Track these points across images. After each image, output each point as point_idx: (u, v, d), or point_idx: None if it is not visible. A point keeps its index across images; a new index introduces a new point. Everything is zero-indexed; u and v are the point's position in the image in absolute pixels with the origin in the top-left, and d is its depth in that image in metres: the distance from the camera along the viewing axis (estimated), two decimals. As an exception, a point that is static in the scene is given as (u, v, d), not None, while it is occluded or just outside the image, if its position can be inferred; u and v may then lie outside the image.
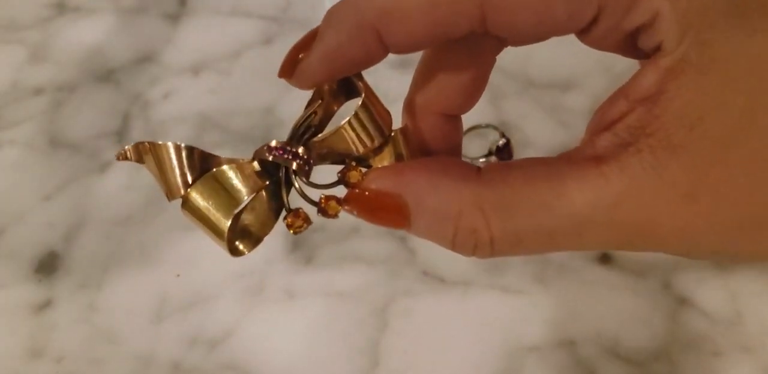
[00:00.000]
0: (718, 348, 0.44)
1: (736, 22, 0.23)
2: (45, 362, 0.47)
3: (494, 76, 0.29)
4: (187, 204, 0.26)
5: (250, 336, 0.47)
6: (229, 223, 0.25)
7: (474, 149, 0.51)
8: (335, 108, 0.29)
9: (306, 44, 0.26)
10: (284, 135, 0.27)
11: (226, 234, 0.26)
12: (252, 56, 0.59)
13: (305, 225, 0.27)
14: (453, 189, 0.25)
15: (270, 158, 0.26)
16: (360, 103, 0.26)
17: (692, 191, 0.24)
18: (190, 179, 0.26)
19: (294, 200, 0.27)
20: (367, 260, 0.49)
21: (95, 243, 0.51)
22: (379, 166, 0.28)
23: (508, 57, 0.29)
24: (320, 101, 0.28)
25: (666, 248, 0.26)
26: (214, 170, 0.26)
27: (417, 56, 0.28)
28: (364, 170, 0.27)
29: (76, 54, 0.60)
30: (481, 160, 0.51)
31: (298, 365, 0.46)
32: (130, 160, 0.27)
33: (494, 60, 0.29)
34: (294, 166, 0.26)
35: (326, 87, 0.28)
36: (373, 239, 0.49)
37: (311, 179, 0.27)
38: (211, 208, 0.26)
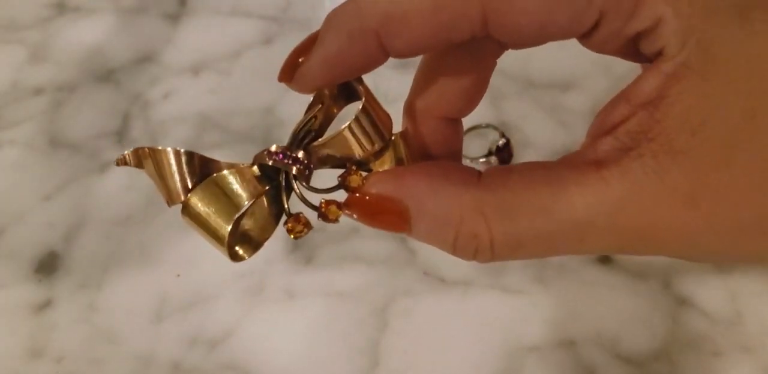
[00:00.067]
0: (718, 348, 0.44)
1: (738, 27, 0.23)
2: (45, 362, 0.47)
3: (494, 77, 0.29)
4: (187, 210, 0.26)
5: (250, 336, 0.47)
6: (229, 228, 0.25)
7: (474, 149, 0.51)
8: (335, 112, 0.29)
9: (306, 48, 0.26)
10: (284, 135, 0.27)
11: (226, 240, 0.26)
12: (252, 56, 0.59)
13: (306, 230, 0.27)
14: (454, 194, 0.25)
15: (270, 163, 0.26)
16: (360, 107, 0.26)
17: (694, 196, 0.24)
18: (190, 185, 0.26)
19: (294, 204, 0.27)
20: (367, 260, 0.49)
21: (95, 243, 0.51)
22: (380, 170, 0.28)
23: (509, 58, 0.29)
24: (320, 105, 0.28)
25: (667, 251, 0.26)
26: (214, 175, 0.26)
27: (417, 57, 0.28)
28: (364, 174, 0.27)
29: (76, 54, 0.60)
30: (481, 160, 0.50)
31: (298, 365, 0.46)
32: (130, 165, 0.27)
33: (495, 63, 0.29)
34: (294, 170, 0.26)
35: (326, 91, 0.28)
36: (373, 239, 0.49)
37: (311, 184, 0.27)
38: (211, 213, 0.26)
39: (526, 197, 0.25)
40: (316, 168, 0.27)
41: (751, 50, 0.24)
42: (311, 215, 0.27)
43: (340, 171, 0.27)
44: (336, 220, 0.27)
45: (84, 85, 0.59)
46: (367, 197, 0.26)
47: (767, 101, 0.24)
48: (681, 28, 0.23)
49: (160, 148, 0.26)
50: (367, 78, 0.27)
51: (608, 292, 0.46)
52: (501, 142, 0.51)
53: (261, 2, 0.62)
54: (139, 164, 0.26)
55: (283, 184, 0.27)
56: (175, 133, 0.55)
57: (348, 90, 0.28)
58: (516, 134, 0.52)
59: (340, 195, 0.27)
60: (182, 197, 0.26)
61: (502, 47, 0.28)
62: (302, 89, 0.27)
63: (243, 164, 0.27)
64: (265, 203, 0.28)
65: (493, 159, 0.51)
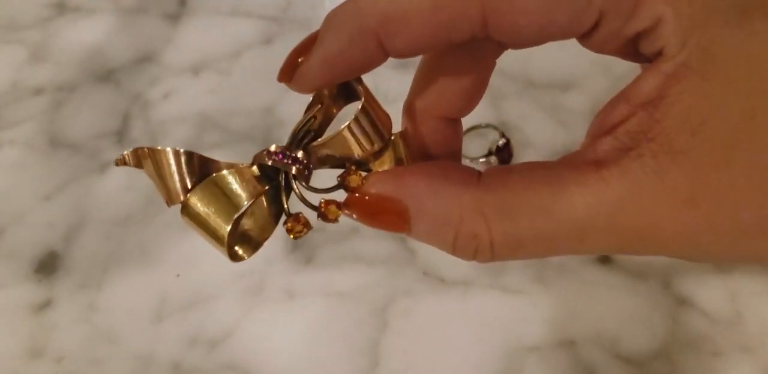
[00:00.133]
0: (718, 348, 0.44)
1: (738, 27, 0.23)
2: (45, 362, 0.47)
3: (494, 77, 0.29)
4: (186, 210, 0.26)
5: (250, 336, 0.47)
6: (229, 228, 0.25)
7: (474, 149, 0.51)
8: (335, 112, 0.29)
9: (305, 48, 0.26)
10: (284, 135, 0.27)
11: (226, 240, 0.26)
12: (252, 56, 0.59)
13: (305, 230, 0.27)
14: (453, 194, 0.25)
15: (269, 163, 0.26)
16: (360, 107, 0.26)
17: (694, 196, 0.24)
18: (189, 185, 0.26)
19: (294, 204, 0.27)
20: (367, 260, 0.49)
21: (95, 243, 0.51)
22: (380, 170, 0.28)
23: (508, 58, 0.29)
24: (320, 105, 0.28)
25: (667, 252, 0.26)
26: (214, 175, 0.26)
27: (417, 57, 0.28)
28: (364, 174, 0.27)
29: (76, 54, 0.60)
30: (481, 160, 0.50)
31: (298, 365, 0.46)
32: (129, 165, 0.26)
33: (494, 63, 0.29)
34: (293, 170, 0.26)
35: (326, 91, 0.28)
36: (373, 239, 0.49)
37: (311, 184, 0.27)
38: (210, 213, 0.26)
39: (526, 197, 0.25)
40: (315, 168, 0.27)
41: (751, 50, 0.24)
42: (311, 215, 0.27)
43: (340, 171, 0.27)
44: (335, 220, 0.27)
45: (84, 85, 0.59)
46: (367, 197, 0.26)
47: (767, 101, 0.23)
48: (681, 28, 0.23)
49: (159, 148, 0.26)
50: (366, 78, 0.27)
51: (608, 292, 0.46)
52: (501, 142, 0.51)
53: (261, 2, 0.62)
54: (138, 164, 0.26)
55: (283, 184, 0.27)
56: (175, 133, 0.55)
57: (347, 90, 0.28)
58: (516, 134, 0.52)
59: (340, 195, 0.27)
60: (182, 197, 0.26)
61: (502, 47, 0.28)
62: (302, 89, 0.27)
63: (242, 164, 0.27)
64: (265, 203, 0.28)
65: (493, 159, 0.51)
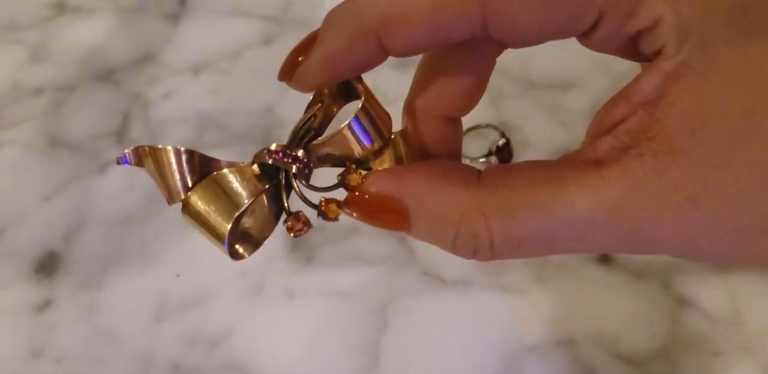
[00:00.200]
0: (718, 348, 0.44)
1: (738, 26, 0.23)
2: (45, 362, 0.47)
3: (494, 77, 0.29)
4: (187, 208, 0.26)
5: (250, 335, 0.47)
6: (229, 227, 0.25)
7: (474, 149, 0.51)
8: (335, 111, 0.29)
9: (306, 47, 0.26)
10: (284, 135, 0.27)
11: (226, 238, 0.26)
12: (252, 56, 0.59)
13: (306, 228, 0.27)
14: (453, 193, 0.25)
15: (270, 162, 0.26)
16: (360, 106, 0.26)
17: (694, 195, 0.24)
18: (190, 183, 0.26)
19: (294, 203, 0.27)
20: (367, 260, 0.49)
21: (95, 243, 0.51)
22: (380, 169, 0.28)
23: (508, 57, 0.29)
24: (320, 104, 0.28)
25: (667, 251, 0.26)
26: (214, 173, 0.26)
27: (417, 56, 0.28)
28: (364, 172, 0.27)
29: (76, 54, 0.60)
30: (481, 160, 0.50)
31: (298, 365, 0.46)
32: (130, 164, 0.27)
33: (494, 62, 0.29)
34: (294, 169, 0.26)
35: (326, 90, 0.28)
36: (373, 238, 0.49)
37: (311, 182, 0.27)
38: (211, 212, 0.26)
39: (526, 196, 0.25)
40: (315, 167, 0.27)
41: (750, 50, 0.24)
42: (311, 214, 0.27)
43: (340, 170, 0.27)
44: (336, 218, 0.27)
45: (84, 86, 0.59)
46: (367, 196, 0.26)
47: (767, 100, 0.23)
48: (680, 28, 0.23)
49: (160, 146, 0.26)
50: (366, 77, 0.28)
51: (608, 292, 0.46)
52: (501, 142, 0.51)
53: (261, 2, 0.62)
54: (139, 163, 0.26)
55: (283, 182, 0.27)
56: (175, 133, 0.55)
57: (348, 89, 0.28)
58: (516, 133, 0.52)
59: (340, 194, 0.27)
60: (182, 196, 0.26)
61: (502, 46, 0.28)
62: (302, 88, 0.27)
63: (243, 163, 0.27)
64: (265, 201, 0.28)
65: (493, 159, 0.51)
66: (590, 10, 0.24)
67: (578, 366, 0.44)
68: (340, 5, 0.25)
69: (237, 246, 0.28)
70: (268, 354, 0.46)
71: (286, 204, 0.27)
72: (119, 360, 0.46)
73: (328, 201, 0.27)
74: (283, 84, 0.27)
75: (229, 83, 0.58)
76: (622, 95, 0.25)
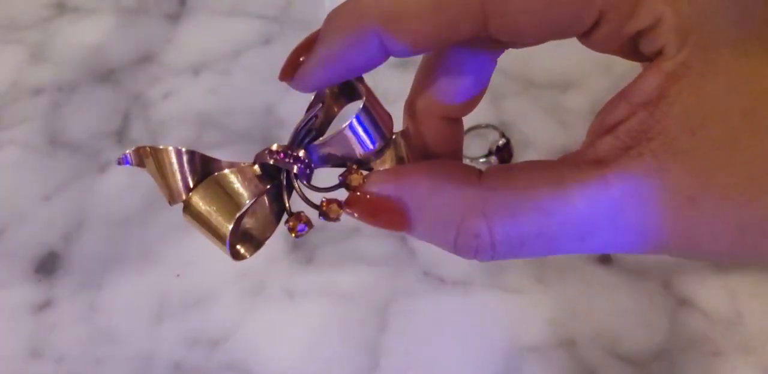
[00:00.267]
0: (718, 348, 0.44)
1: (738, 26, 0.23)
2: (45, 362, 0.47)
3: (494, 77, 0.29)
4: (188, 209, 0.26)
5: (251, 335, 0.47)
6: (231, 227, 0.25)
7: (474, 149, 0.51)
8: (336, 111, 0.29)
9: (307, 47, 0.26)
10: (284, 135, 0.28)
11: (228, 238, 0.26)
12: (252, 56, 0.59)
13: (307, 229, 0.27)
14: (454, 193, 0.25)
15: (271, 162, 0.26)
16: (361, 106, 0.26)
17: (694, 196, 0.24)
18: (191, 184, 0.26)
19: (295, 203, 0.27)
20: (368, 260, 0.49)
21: (95, 243, 0.51)
22: (381, 169, 0.28)
23: (508, 58, 0.29)
24: (321, 104, 0.28)
25: (668, 251, 0.26)
26: (216, 174, 0.26)
27: (417, 57, 0.28)
28: (365, 173, 0.27)
29: (76, 54, 0.60)
30: (481, 160, 0.50)
31: (298, 365, 0.46)
32: (131, 164, 0.26)
33: (495, 63, 0.29)
34: (295, 169, 0.26)
35: (327, 90, 0.28)
36: (374, 239, 0.49)
37: (312, 183, 0.27)
38: (212, 212, 0.26)
39: (527, 196, 0.25)
40: (317, 167, 0.27)
41: (751, 50, 0.24)
42: (312, 214, 0.27)
43: (341, 170, 0.27)
44: (337, 219, 0.27)
45: (84, 86, 0.59)
46: (368, 196, 0.26)
47: (767, 100, 0.23)
48: (681, 28, 0.23)
49: (161, 147, 0.26)
50: (366, 77, 0.28)
51: (608, 292, 0.46)
52: (501, 142, 0.51)
53: (261, 2, 0.62)
54: (140, 163, 0.26)
55: (284, 183, 0.27)
56: (175, 133, 0.55)
57: (349, 89, 0.28)
58: (516, 134, 0.52)
59: (341, 194, 0.27)
60: (183, 196, 0.26)
61: (503, 46, 0.28)
62: (303, 88, 0.27)
63: (244, 163, 0.27)
64: (267, 202, 0.28)
65: (493, 159, 0.51)
66: (590, 10, 0.24)
67: (578, 366, 0.44)
68: (342, 5, 0.25)
69: (238, 247, 0.28)
70: (268, 355, 0.46)
71: (287, 204, 0.27)
72: (119, 361, 0.46)
73: (329, 201, 0.27)
74: (284, 84, 0.27)
75: (229, 83, 0.58)
76: (623, 95, 0.25)
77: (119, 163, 0.26)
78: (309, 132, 0.28)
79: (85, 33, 0.62)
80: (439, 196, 0.25)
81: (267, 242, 0.29)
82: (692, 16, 0.23)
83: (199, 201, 0.26)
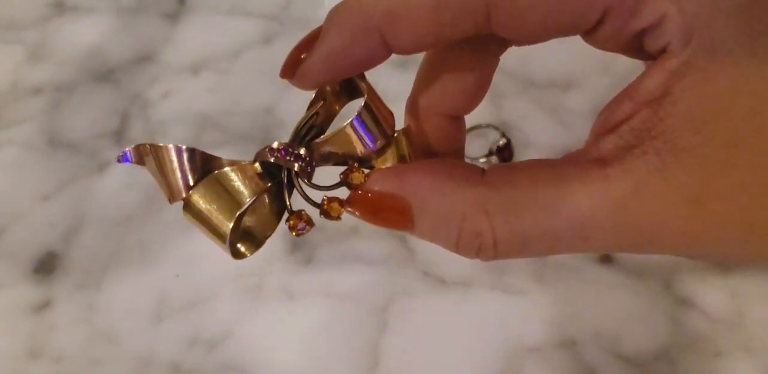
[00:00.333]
0: (719, 348, 0.44)
1: (743, 25, 0.23)
2: (44, 362, 0.47)
3: (494, 76, 0.29)
4: (188, 207, 0.26)
5: (250, 335, 0.47)
6: (231, 225, 0.25)
7: (474, 149, 0.51)
8: (337, 109, 0.29)
9: (308, 44, 0.26)
10: (284, 135, 0.27)
11: (228, 237, 0.25)
12: (252, 56, 0.59)
13: (308, 227, 0.27)
14: (457, 191, 0.25)
15: (272, 160, 0.26)
16: (363, 104, 0.26)
17: (698, 195, 0.24)
18: (191, 182, 0.26)
19: (296, 202, 0.27)
20: (367, 260, 0.48)
21: (95, 243, 0.51)
22: (382, 167, 0.28)
23: (509, 57, 0.29)
24: (322, 102, 0.28)
25: (671, 250, 0.26)
26: (216, 172, 0.26)
27: (418, 55, 0.28)
28: (367, 171, 0.27)
29: (75, 54, 0.60)
30: (481, 160, 0.50)
31: (298, 365, 0.45)
32: (131, 162, 0.26)
33: (498, 60, 0.29)
34: (296, 167, 0.26)
35: (328, 88, 0.28)
36: (373, 239, 0.49)
37: (313, 181, 0.27)
38: (213, 210, 0.26)
39: (530, 195, 0.25)
40: (318, 165, 0.27)
41: (756, 48, 0.23)
42: (313, 213, 0.27)
43: (343, 168, 0.27)
44: (338, 217, 0.27)
45: (83, 85, 0.58)
46: (370, 195, 0.26)
47: None
48: (685, 26, 0.23)
49: (161, 144, 0.26)
50: (366, 75, 0.27)
51: (609, 292, 0.46)
52: (501, 142, 0.51)
53: (261, 1, 0.62)
54: (140, 161, 0.26)
55: (285, 181, 0.27)
56: (175, 132, 0.55)
57: (350, 87, 0.28)
58: (516, 133, 0.52)
59: (343, 193, 0.27)
60: (184, 194, 0.26)
61: (505, 44, 0.28)
62: (304, 86, 0.27)
63: (245, 161, 0.27)
64: (267, 200, 0.28)
65: (494, 159, 0.50)
66: (595, 7, 0.23)
67: (578, 366, 0.44)
68: (343, 2, 0.25)
69: (239, 245, 0.28)
70: (267, 355, 0.46)
71: (288, 203, 0.27)
72: (118, 361, 0.46)
73: (330, 200, 0.27)
74: (284, 84, 0.27)
75: (229, 83, 0.58)
76: (626, 94, 0.25)
77: (119, 160, 0.26)
78: (310, 130, 0.28)
79: (84, 32, 0.61)
80: (442, 194, 0.25)
81: (266, 241, 0.29)
82: (697, 14, 0.23)
83: (199, 199, 0.26)
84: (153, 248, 0.50)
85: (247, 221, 0.28)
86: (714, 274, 0.46)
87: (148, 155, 0.26)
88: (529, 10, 0.24)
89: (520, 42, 0.27)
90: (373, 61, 0.26)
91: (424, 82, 0.29)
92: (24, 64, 0.60)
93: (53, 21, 0.63)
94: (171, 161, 0.26)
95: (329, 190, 0.27)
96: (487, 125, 0.52)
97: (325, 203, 0.26)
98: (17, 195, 0.53)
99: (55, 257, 0.50)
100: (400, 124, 0.29)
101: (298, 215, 0.27)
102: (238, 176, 0.26)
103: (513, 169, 0.26)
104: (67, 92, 0.58)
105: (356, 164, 0.27)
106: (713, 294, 0.45)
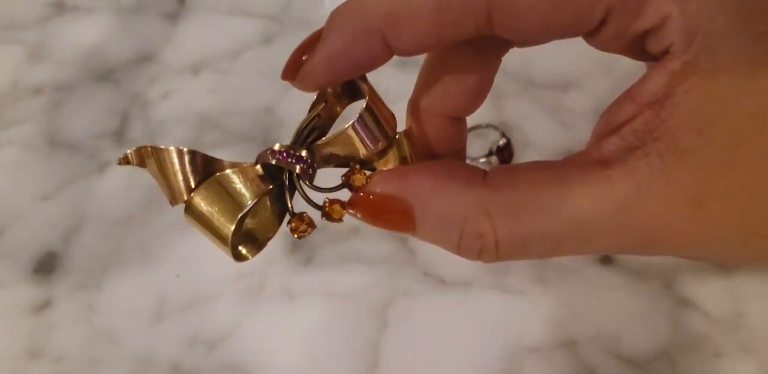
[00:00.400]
0: (719, 348, 0.44)
1: (745, 26, 0.23)
2: (44, 362, 0.47)
3: (495, 77, 0.29)
4: (190, 209, 0.26)
5: (250, 336, 0.47)
6: (233, 228, 0.25)
7: (474, 149, 0.51)
8: (339, 110, 0.29)
9: (309, 46, 0.26)
10: (284, 135, 0.27)
11: (230, 239, 0.25)
12: (252, 56, 0.59)
13: (309, 229, 0.27)
14: (458, 193, 0.25)
15: (273, 162, 0.26)
16: (364, 105, 0.26)
17: (700, 196, 0.24)
18: (193, 184, 0.26)
19: (298, 204, 0.27)
20: (367, 260, 0.48)
21: (95, 243, 0.51)
22: (384, 169, 0.28)
23: (509, 57, 0.29)
24: (324, 104, 0.28)
25: (673, 252, 0.26)
26: (217, 174, 0.26)
27: (420, 55, 0.28)
28: (368, 173, 0.27)
29: (75, 54, 0.60)
30: (481, 160, 0.50)
31: (298, 365, 0.45)
32: (132, 164, 0.26)
33: (499, 62, 0.29)
34: (297, 169, 0.26)
35: (330, 89, 0.28)
36: (373, 239, 0.49)
37: (315, 183, 0.27)
38: (214, 213, 0.26)
39: (532, 197, 0.25)
40: (319, 167, 0.27)
41: (757, 50, 0.23)
42: (315, 215, 0.27)
43: (344, 170, 0.27)
44: (340, 219, 0.27)
45: (83, 85, 0.58)
46: (371, 197, 0.26)
47: None
48: (688, 27, 0.23)
49: (162, 147, 0.26)
50: (368, 76, 0.27)
51: (609, 292, 0.46)
52: (501, 142, 0.51)
53: (261, 1, 0.61)
54: (141, 163, 0.26)
55: (287, 183, 0.27)
56: (175, 133, 0.55)
57: (352, 88, 0.28)
58: (517, 134, 0.52)
59: (344, 195, 0.27)
60: (185, 197, 0.26)
61: (507, 45, 0.28)
62: (306, 87, 0.27)
63: (246, 163, 0.27)
64: (269, 202, 0.28)
65: (494, 159, 0.50)
66: (597, 8, 0.23)
67: (579, 366, 0.44)
68: (345, 3, 0.25)
69: (240, 247, 0.28)
70: (267, 355, 0.46)
71: (290, 205, 0.27)
72: (118, 361, 0.46)
73: (332, 202, 0.27)
74: (284, 84, 0.27)
75: (229, 83, 0.58)
76: (628, 95, 0.25)
77: (120, 163, 0.26)
78: (311, 132, 0.27)
79: (84, 32, 0.61)
80: (443, 196, 0.25)
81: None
82: (699, 16, 0.23)
83: (200, 202, 0.26)
84: (153, 248, 0.50)
85: (249, 223, 0.28)
86: (714, 275, 0.46)
87: (149, 157, 0.26)
88: (531, 12, 0.23)
89: (522, 43, 0.27)
90: (375, 63, 0.26)
91: (425, 83, 0.28)
92: (24, 64, 0.60)
93: (53, 21, 0.62)
94: (172, 164, 0.26)
95: (331, 192, 0.27)
96: (487, 125, 0.52)
97: (327, 205, 0.26)
98: (17, 195, 0.53)
99: (55, 257, 0.50)
100: (401, 124, 0.29)
101: (300, 217, 0.27)
102: (239, 178, 0.26)
103: (514, 171, 0.26)
104: (67, 92, 0.58)
105: (358, 166, 0.27)
106: (713, 294, 0.45)
